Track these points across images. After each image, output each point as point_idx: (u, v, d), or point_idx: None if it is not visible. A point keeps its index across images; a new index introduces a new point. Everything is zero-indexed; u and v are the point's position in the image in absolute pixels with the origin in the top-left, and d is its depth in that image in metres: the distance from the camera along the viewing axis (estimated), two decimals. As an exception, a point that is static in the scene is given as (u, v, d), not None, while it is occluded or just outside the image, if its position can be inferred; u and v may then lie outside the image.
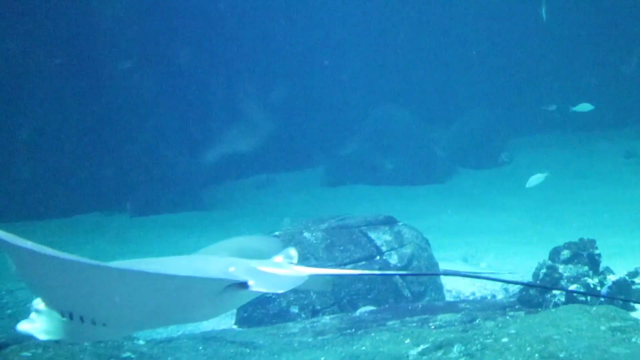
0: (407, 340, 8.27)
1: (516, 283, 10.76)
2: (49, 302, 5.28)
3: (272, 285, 5.46)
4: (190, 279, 5.21)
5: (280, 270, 5.66)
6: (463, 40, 25.96)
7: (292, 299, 10.93)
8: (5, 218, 19.85)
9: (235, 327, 11.08)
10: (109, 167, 21.56)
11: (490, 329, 7.95)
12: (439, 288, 11.59)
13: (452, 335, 8.04)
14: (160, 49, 23.29)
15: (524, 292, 9.96)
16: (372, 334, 8.83)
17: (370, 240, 11.52)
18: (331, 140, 24.25)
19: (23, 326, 5.35)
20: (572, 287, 9.71)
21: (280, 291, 5.54)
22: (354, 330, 9.32)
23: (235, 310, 11.43)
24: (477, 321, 8.85)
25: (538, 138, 25.66)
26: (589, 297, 9.49)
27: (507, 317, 8.79)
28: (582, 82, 25.22)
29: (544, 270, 9.99)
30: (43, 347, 8.50)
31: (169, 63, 23.54)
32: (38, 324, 5.33)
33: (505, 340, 7.48)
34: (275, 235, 11.59)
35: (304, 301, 10.89)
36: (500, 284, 12.04)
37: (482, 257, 14.65)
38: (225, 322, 11.50)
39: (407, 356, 7.86)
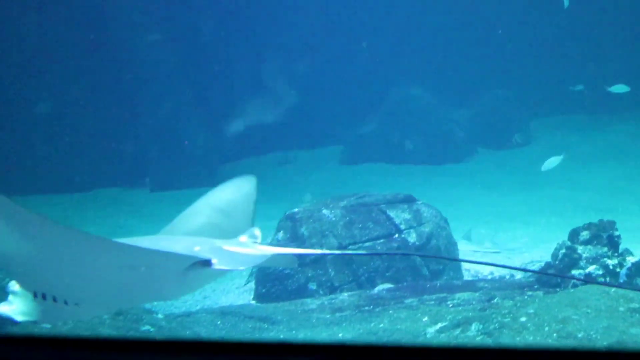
0: (425, 318, 8.29)
1: (521, 270, 10.74)
2: (21, 282, 5.36)
3: (234, 263, 5.65)
4: (156, 254, 5.39)
5: (244, 249, 5.85)
6: (487, 19, 25.79)
7: (310, 275, 10.96)
8: (25, 192, 19.95)
9: (253, 302, 11.12)
10: (129, 142, 21.62)
11: (509, 308, 7.95)
12: (458, 267, 11.60)
13: (470, 314, 8.05)
14: (183, 22, 23.25)
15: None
16: (390, 312, 8.85)
17: (389, 219, 11.53)
18: (351, 118, 24.20)
19: (2, 308, 5.42)
20: (591, 268, 9.69)
21: (242, 268, 5.77)
22: (372, 307, 9.34)
23: (253, 286, 11.48)
24: (495, 300, 8.85)
25: (562, 119, 25.51)
26: (608, 278, 9.47)
27: (526, 297, 8.78)
28: (614, 63, 24.90)
29: (563, 251, 9.97)
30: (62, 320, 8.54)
31: (191, 37, 23.50)
32: (15, 305, 5.39)
33: (523, 319, 7.48)
34: (294, 212, 11.61)
35: (322, 278, 10.92)
36: (519, 264, 12.02)
37: (500, 237, 14.64)
38: (243, 297, 11.55)
39: (425, 334, 7.87)
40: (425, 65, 25.34)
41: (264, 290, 11.13)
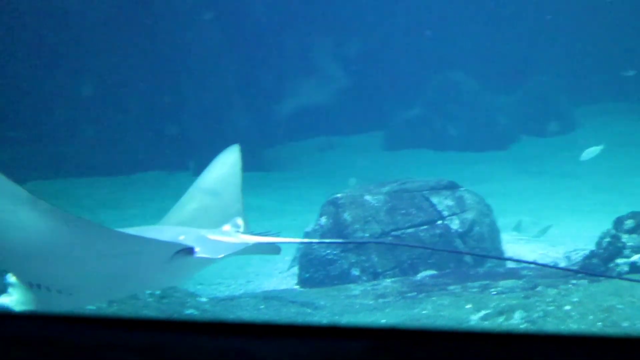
0: (469, 305, 8.28)
1: (558, 268, 10.68)
2: (12, 271, 5.46)
3: (216, 252, 5.81)
4: (141, 240, 5.54)
5: (226, 238, 6.08)
6: (534, 3, 25.56)
7: (353, 261, 10.97)
8: (69, 174, 20.14)
9: (296, 287, 11.16)
10: (173, 126, 21.71)
11: (553, 296, 7.92)
12: (501, 254, 11.55)
13: (514, 302, 8.03)
14: (230, 2, 23.24)
15: (586, 261, 9.89)
16: (434, 298, 8.85)
17: (432, 205, 11.50)
18: (394, 104, 24.14)
19: (2, 300, 5.52)
20: (635, 257, 9.63)
21: (221, 256, 5.85)
22: (415, 293, 9.34)
23: (296, 271, 11.52)
24: (539, 288, 8.80)
25: (610, 106, 25.27)
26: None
27: (570, 285, 8.73)
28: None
29: (607, 239, 9.91)
30: (107, 302, 8.64)
31: (239, 19, 23.52)
32: (14, 296, 5.50)
33: (567, 308, 7.45)
34: (337, 197, 11.62)
35: (366, 264, 10.93)
36: (562, 252, 11.96)
37: (541, 225, 14.55)
38: (286, 282, 11.59)
39: (468, 321, 7.87)
40: (469, 50, 25.21)
41: (307, 276, 11.16)
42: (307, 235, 11.95)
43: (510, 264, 11.50)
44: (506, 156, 22.17)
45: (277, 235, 6.87)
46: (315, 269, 11.08)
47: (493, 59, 25.29)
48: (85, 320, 1.51)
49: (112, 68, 21.57)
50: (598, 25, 25.61)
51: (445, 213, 11.43)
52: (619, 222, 10.11)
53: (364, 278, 10.73)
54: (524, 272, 10.12)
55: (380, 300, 9.22)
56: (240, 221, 6.42)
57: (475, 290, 9.11)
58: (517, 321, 7.49)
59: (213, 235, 6.01)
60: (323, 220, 11.51)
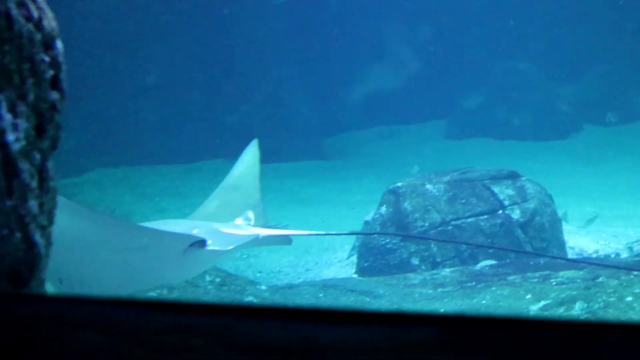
0: (528, 296, 8.24)
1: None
2: None
3: (227, 244, 6.04)
4: (154, 233, 5.79)
5: (238, 230, 6.33)
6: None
7: (413, 250, 10.96)
8: (132, 162, 20.33)
9: (355, 276, 11.18)
10: (233, 115, 21.80)
11: (614, 287, 7.85)
12: (562, 245, 11.46)
13: (575, 292, 7.98)
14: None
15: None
16: (493, 288, 8.81)
17: (493, 194, 11.45)
18: (456, 92, 24.00)
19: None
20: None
21: (230, 248, 6.09)
22: (474, 283, 9.31)
23: (355, 260, 11.54)
24: (600, 279, 8.72)
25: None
26: None
27: (632, 276, 8.64)
28: None
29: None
30: (168, 289, 8.74)
31: (301, 9, 23.52)
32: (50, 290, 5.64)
33: (629, 299, 7.38)
34: (398, 186, 11.62)
35: (425, 253, 10.91)
36: (624, 242, 11.84)
37: (605, 215, 14.41)
38: (345, 271, 11.62)
39: (528, 312, 7.82)
40: (532, 38, 24.96)
41: (366, 265, 11.17)
42: (366, 224, 11.96)
43: (571, 255, 11.41)
44: (568, 145, 21.96)
45: (286, 227, 7.10)
46: (374, 258, 11.09)
47: (558, 47, 25.00)
48: (151, 304, 1.54)
49: (175, 57, 21.72)
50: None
51: (506, 202, 11.37)
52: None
53: (423, 267, 10.72)
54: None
55: (439, 290, 9.21)
56: (251, 214, 6.65)
57: (535, 280, 9.06)
58: (577, 312, 7.44)
59: (225, 229, 6.24)
60: (383, 209, 11.51)
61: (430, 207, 11.28)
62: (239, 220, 6.59)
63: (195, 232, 5.96)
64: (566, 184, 16.81)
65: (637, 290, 7.57)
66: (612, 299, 7.46)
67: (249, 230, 6.39)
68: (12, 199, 2.29)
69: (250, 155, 7.45)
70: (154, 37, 21.50)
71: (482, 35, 25.01)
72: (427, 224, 11.13)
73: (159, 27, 21.58)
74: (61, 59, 2.59)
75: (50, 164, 2.53)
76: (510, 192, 11.49)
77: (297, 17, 23.41)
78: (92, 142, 20.29)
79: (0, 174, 2.23)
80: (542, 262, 10.27)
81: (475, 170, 12.05)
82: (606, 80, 24.23)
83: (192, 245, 5.78)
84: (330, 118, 23.07)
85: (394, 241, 11.07)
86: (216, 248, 5.92)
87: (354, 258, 11.65)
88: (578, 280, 8.78)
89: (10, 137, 2.28)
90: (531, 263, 10.21)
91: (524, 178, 11.86)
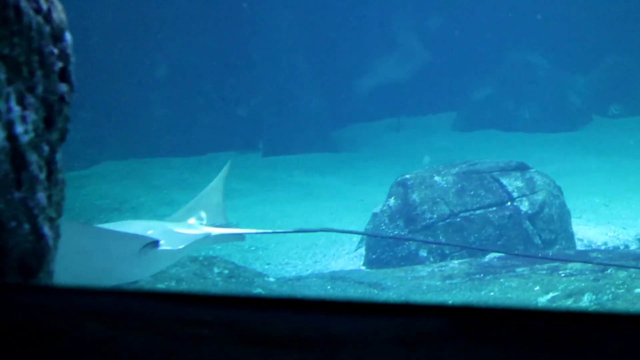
0: (537, 288, 8.23)
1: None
2: None
3: (179, 243, 6.26)
4: (108, 233, 5.99)
5: (190, 230, 6.56)
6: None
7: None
8: (142, 154, 20.36)
9: (363, 268, 11.18)
10: (244, 107, 21.82)
11: (623, 279, 7.84)
12: (570, 236, 11.44)
13: (583, 284, 7.97)
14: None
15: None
16: (501, 280, 8.81)
17: (502, 186, 11.44)
18: (465, 84, 23.96)
19: None
20: None
21: (181, 247, 6.27)
22: (482, 275, 9.30)
23: (363, 252, 11.55)
24: (608, 271, 8.71)
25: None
26: None
27: (641, 267, 8.64)
28: None
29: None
30: (176, 280, 8.76)
31: (309, 2, 23.51)
32: None
33: (638, 290, 7.37)
34: (406, 178, 11.62)
35: (433, 245, 10.91)
36: (634, 233, 11.83)
37: (614, 207, 14.39)
38: (353, 263, 11.62)
39: (537, 303, 7.82)
40: (542, 30, 24.89)
41: (374, 257, 11.17)
42: (375, 216, 11.96)
43: (579, 247, 11.40)
44: (578, 137, 21.91)
45: (237, 226, 7.37)
46: (382, 250, 11.09)
47: (568, 39, 24.93)
48: (159, 296, 1.54)
49: (185, 49, 21.73)
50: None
51: (515, 194, 11.36)
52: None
53: (432, 259, 10.72)
54: (594, 254, 10.02)
55: (448, 282, 9.21)
56: (203, 214, 6.92)
57: (543, 272, 9.05)
58: (585, 304, 7.43)
59: (178, 228, 6.46)
60: (392, 201, 11.51)
61: (438, 199, 11.27)
62: (191, 220, 6.85)
63: (149, 232, 6.16)
64: (575, 175, 16.78)
65: (646, 282, 7.56)
66: (621, 291, 7.45)
67: (201, 229, 6.64)
68: (20, 191, 2.29)
69: (223, 171, 7.63)
70: (164, 29, 21.52)
71: (491, 27, 24.94)
72: (435, 216, 11.13)
73: (169, 19, 21.60)
74: (70, 51, 2.60)
75: (58, 156, 2.54)
76: (518, 183, 11.48)
77: (307, 10, 23.38)
78: (101, 135, 20.33)
79: (9, 166, 2.24)
80: (550, 253, 10.26)
81: (484, 162, 12.03)
82: (616, 71, 24.17)
83: (146, 246, 5.97)
84: (339, 110, 23.06)
85: (403, 233, 11.07)
86: (168, 248, 6.12)
87: (362, 250, 11.65)
88: (587, 272, 8.77)
89: (19, 129, 2.28)
90: (540, 255, 10.20)
91: (532, 170, 11.85)
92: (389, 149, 21.50)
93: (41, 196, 2.40)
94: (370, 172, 18.41)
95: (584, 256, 9.89)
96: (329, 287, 9.35)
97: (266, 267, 11.42)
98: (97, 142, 19.88)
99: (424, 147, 20.72)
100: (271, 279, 9.73)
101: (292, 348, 1.33)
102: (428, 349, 1.32)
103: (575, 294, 7.71)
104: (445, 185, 11.42)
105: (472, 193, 11.32)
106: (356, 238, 12.25)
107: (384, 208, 11.57)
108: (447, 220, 11.11)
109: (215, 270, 9.25)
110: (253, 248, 12.24)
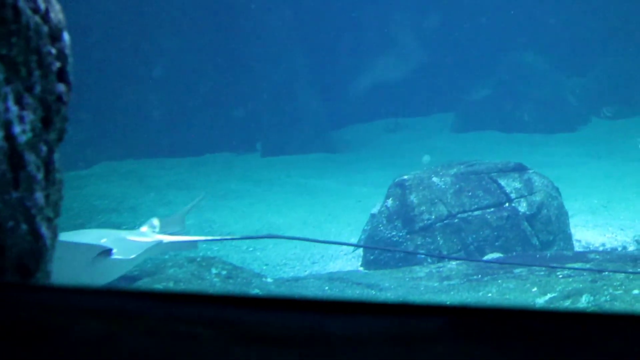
0: (535, 289, 8.23)
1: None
2: None
3: (133, 251, 6.39)
4: (61, 243, 5.94)
5: (143, 238, 6.68)
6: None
7: (419, 243, 10.96)
8: (139, 155, 20.34)
9: (361, 269, 11.18)
10: (241, 108, 21.82)
11: (621, 280, 7.84)
12: (568, 238, 11.45)
13: (581, 285, 7.97)
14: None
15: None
16: (499, 281, 8.81)
17: (500, 187, 11.44)
18: (463, 85, 23.97)
19: None
20: None
21: (133, 256, 6.40)
22: (480, 276, 9.31)
23: (361, 253, 11.55)
24: (607, 272, 8.72)
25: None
26: None
27: (639, 269, 8.64)
28: None
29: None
30: (174, 281, 8.75)
31: (307, 3, 23.50)
32: None
33: (636, 292, 7.38)
34: (404, 179, 11.62)
35: (431, 246, 10.91)
36: (632, 235, 11.82)
37: (612, 208, 14.39)
38: (351, 264, 11.62)
39: (534, 304, 7.82)
40: (540, 31, 24.91)
41: (372, 257, 11.17)
42: (373, 217, 11.96)
43: (577, 248, 11.41)
44: (576, 138, 21.92)
45: (187, 234, 7.51)
46: (380, 251, 11.09)
47: (566, 40, 24.95)
48: (157, 295, 1.54)
49: (183, 49, 21.72)
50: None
51: (513, 195, 11.37)
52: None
53: (430, 260, 10.72)
54: (592, 255, 10.03)
55: (445, 283, 9.21)
56: (156, 221, 7.06)
57: (541, 273, 9.05)
58: (583, 305, 7.44)
59: (131, 236, 6.59)
60: (389, 202, 11.51)
61: (436, 200, 11.28)
62: (144, 228, 6.99)
63: (103, 241, 6.26)
64: (573, 176, 16.78)
65: (643, 283, 7.57)
66: (619, 292, 7.45)
67: (153, 237, 6.76)
68: (18, 190, 2.29)
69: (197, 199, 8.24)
70: (162, 29, 21.51)
71: (489, 27, 24.96)
72: (433, 217, 11.13)
73: (167, 19, 21.59)
74: (68, 51, 2.60)
75: (56, 156, 2.54)
76: (517, 184, 11.49)
77: (305, 11, 23.39)
78: (99, 135, 20.31)
79: (7, 165, 2.24)
80: (548, 255, 10.27)
81: (482, 163, 12.04)
82: (614, 72, 24.18)
83: (99, 254, 6.06)
84: (337, 111, 23.07)
85: (400, 234, 11.07)
86: (123, 257, 6.23)
87: (360, 251, 11.65)
88: (585, 273, 8.77)
89: (17, 129, 2.28)
90: (537, 256, 10.20)
91: (530, 171, 11.86)
92: (387, 149, 21.50)
93: (39, 196, 2.40)
94: (368, 173, 18.40)
95: (582, 257, 9.89)
96: (326, 287, 9.35)
97: (264, 268, 11.42)
98: (95, 143, 19.86)
99: (422, 148, 20.71)
100: (269, 280, 9.73)
101: (289, 347, 1.33)
102: (425, 348, 1.32)
103: (573, 295, 7.71)
104: (443, 186, 11.42)
105: (470, 194, 11.32)
106: (355, 239, 12.25)
107: (382, 209, 11.57)
108: (445, 221, 11.11)
109: (214, 271, 9.25)
110: (251, 249, 12.24)
